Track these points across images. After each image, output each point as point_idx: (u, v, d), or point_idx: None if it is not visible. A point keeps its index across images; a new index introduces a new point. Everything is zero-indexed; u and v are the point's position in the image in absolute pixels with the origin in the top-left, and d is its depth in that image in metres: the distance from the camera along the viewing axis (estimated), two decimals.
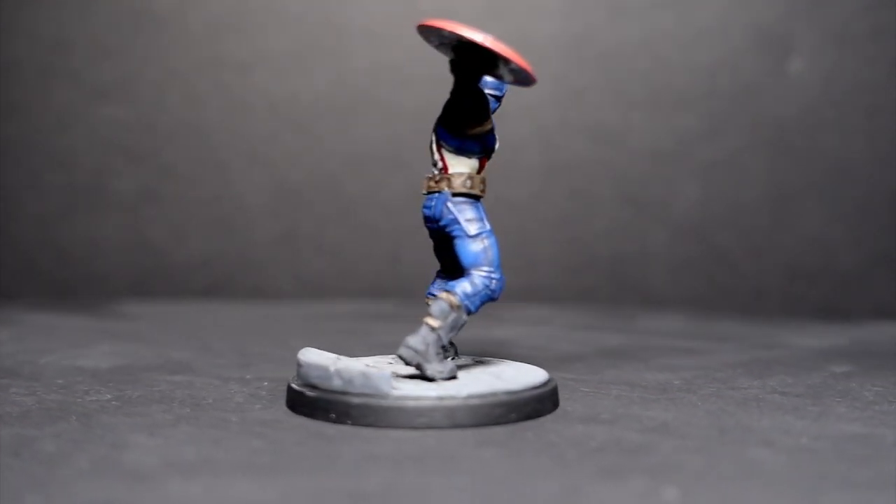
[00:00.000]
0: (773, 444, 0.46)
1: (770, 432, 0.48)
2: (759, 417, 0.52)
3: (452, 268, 0.55)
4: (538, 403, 0.49)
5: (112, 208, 1.20)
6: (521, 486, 0.38)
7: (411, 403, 0.46)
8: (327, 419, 0.47)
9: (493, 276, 0.50)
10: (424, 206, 0.52)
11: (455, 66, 0.51)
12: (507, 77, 0.51)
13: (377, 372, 0.47)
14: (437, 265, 0.56)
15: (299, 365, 0.50)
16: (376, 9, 1.20)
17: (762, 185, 1.16)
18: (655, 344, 0.81)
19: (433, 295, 0.54)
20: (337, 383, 0.47)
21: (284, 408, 0.51)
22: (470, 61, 0.50)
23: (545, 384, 0.51)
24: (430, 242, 0.55)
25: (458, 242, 0.50)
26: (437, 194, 0.51)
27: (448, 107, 0.51)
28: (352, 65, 1.21)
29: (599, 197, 1.19)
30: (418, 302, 0.56)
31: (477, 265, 0.50)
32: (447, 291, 0.49)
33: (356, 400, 0.46)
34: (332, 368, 0.47)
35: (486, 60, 0.49)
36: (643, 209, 1.18)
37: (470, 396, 0.47)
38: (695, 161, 1.17)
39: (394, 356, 0.57)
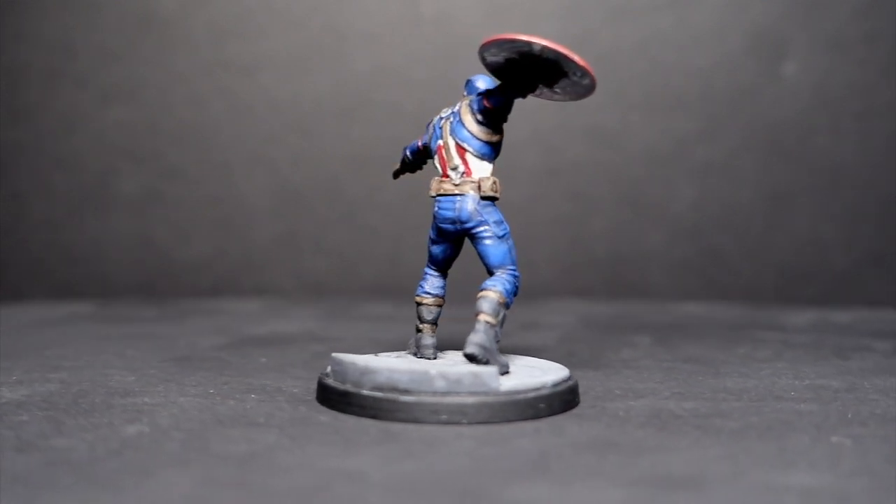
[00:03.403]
0: (797, 399, 0.54)
1: (769, 390, 0.57)
2: (719, 381, 0.60)
3: (447, 266, 0.56)
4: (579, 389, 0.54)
5: (118, 209, 1.22)
6: (742, 453, 0.42)
7: (521, 397, 0.48)
8: (437, 422, 0.47)
9: (516, 273, 0.53)
10: (442, 208, 0.53)
11: (513, 76, 0.52)
12: (545, 92, 0.54)
13: (484, 370, 0.48)
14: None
15: (373, 371, 0.49)
16: (377, 12, 1.22)
17: (757, 186, 1.18)
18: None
19: (428, 293, 0.56)
20: (440, 385, 0.48)
21: (355, 417, 0.49)
22: (528, 74, 0.52)
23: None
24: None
25: (486, 243, 0.53)
26: (459, 196, 0.52)
27: (483, 112, 0.52)
28: (353, 68, 1.22)
29: (598, 198, 1.20)
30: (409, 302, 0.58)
31: (504, 265, 0.53)
32: (491, 290, 0.51)
33: (471, 399, 0.47)
34: (432, 371, 0.48)
35: (544, 76, 0.52)
36: (641, 210, 1.20)
37: (555, 384, 0.50)
38: (691, 162, 1.19)
39: (385, 352, 0.58)
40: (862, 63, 1.16)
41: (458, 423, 0.47)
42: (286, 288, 1.21)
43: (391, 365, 0.50)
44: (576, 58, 0.49)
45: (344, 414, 0.49)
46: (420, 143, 0.58)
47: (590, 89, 0.52)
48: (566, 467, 0.40)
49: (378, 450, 0.43)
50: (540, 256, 1.19)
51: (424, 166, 0.61)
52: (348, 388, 0.50)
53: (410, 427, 0.47)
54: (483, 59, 0.52)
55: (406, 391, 0.48)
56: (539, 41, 0.49)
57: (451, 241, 0.55)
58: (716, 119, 1.19)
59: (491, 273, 0.53)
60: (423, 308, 0.56)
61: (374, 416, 0.48)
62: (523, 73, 0.52)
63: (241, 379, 0.60)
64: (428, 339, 0.56)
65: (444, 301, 0.57)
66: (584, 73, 0.50)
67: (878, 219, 1.15)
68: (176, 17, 1.22)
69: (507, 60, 0.51)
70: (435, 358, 0.55)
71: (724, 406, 0.52)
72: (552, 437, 0.45)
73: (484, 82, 0.55)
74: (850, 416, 0.50)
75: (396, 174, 0.63)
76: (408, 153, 0.60)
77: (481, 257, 0.53)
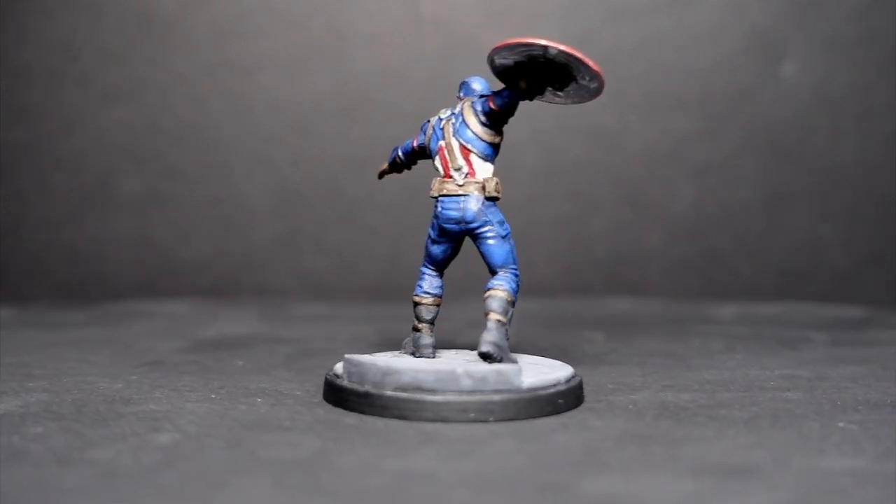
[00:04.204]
0: (779, 388, 0.56)
1: (749, 381, 0.58)
2: (696, 374, 0.61)
3: (445, 266, 0.57)
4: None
5: (118, 209, 1.22)
6: (769, 441, 0.44)
7: (542, 393, 0.49)
8: (465, 420, 0.48)
9: (518, 272, 0.54)
10: (446, 208, 0.53)
11: (521, 78, 0.53)
12: (548, 95, 0.54)
13: (508, 368, 0.49)
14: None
15: (396, 371, 0.49)
16: (377, 13, 1.22)
17: (757, 186, 1.18)
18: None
19: (427, 293, 0.56)
20: (466, 383, 0.48)
21: (380, 418, 0.48)
22: (537, 77, 0.52)
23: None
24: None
25: (490, 243, 0.53)
26: (464, 196, 0.53)
27: (487, 114, 0.53)
28: (353, 68, 1.22)
29: (598, 198, 1.20)
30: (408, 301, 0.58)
31: (507, 264, 0.54)
32: (499, 289, 0.52)
33: (497, 397, 0.48)
34: (459, 370, 0.48)
35: (553, 79, 0.52)
36: (641, 210, 1.20)
37: (568, 381, 0.52)
38: (691, 163, 1.19)
39: (395, 351, 0.59)
40: (861, 63, 1.16)
41: (485, 420, 0.48)
42: (287, 288, 1.21)
43: (415, 365, 0.50)
44: (590, 62, 0.49)
45: (365, 415, 0.49)
46: (415, 144, 0.58)
47: (596, 93, 0.53)
48: (620, 460, 0.41)
49: (427, 450, 0.43)
50: (540, 256, 1.19)
51: (413, 167, 0.61)
52: (368, 389, 0.50)
53: (440, 426, 0.47)
54: (492, 62, 0.52)
55: (432, 391, 0.48)
56: (555, 45, 0.49)
57: (453, 241, 0.55)
58: (715, 119, 1.19)
59: (494, 272, 0.53)
60: (421, 308, 0.56)
61: (398, 417, 0.48)
62: (532, 75, 0.52)
63: (233, 382, 0.59)
64: (427, 339, 0.56)
65: (441, 300, 0.57)
66: (594, 77, 0.51)
67: (877, 219, 1.16)
68: (176, 18, 1.22)
69: (516, 63, 0.52)
70: (434, 357, 0.55)
71: (720, 397, 0.53)
72: (584, 432, 0.46)
73: (479, 84, 0.55)
74: (839, 402, 0.51)
75: (382, 174, 0.63)
76: (400, 153, 0.60)
77: (484, 257, 0.54)
